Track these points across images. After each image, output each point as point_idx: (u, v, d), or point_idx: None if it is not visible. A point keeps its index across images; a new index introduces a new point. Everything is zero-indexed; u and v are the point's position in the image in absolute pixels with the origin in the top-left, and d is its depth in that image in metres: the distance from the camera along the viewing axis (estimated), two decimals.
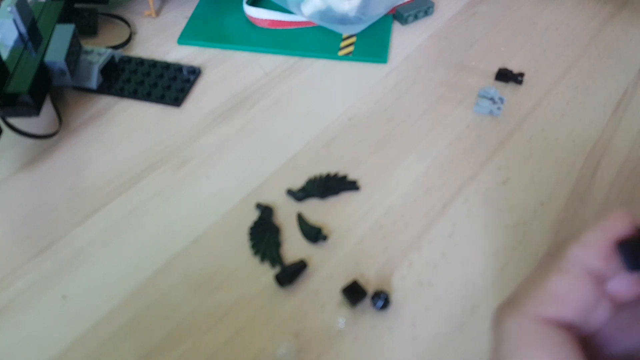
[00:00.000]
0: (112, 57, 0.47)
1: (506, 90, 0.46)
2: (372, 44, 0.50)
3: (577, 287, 0.19)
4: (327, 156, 0.41)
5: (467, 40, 0.50)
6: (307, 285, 0.33)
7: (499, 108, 0.43)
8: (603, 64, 0.48)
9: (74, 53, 0.44)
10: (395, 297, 0.33)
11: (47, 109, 0.44)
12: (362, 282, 0.33)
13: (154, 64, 0.48)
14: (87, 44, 0.49)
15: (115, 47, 0.49)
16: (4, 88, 0.39)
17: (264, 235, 0.36)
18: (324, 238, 0.35)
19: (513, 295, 0.21)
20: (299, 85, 0.46)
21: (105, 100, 0.45)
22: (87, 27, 0.51)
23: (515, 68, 0.48)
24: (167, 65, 0.48)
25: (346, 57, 0.49)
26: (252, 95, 0.46)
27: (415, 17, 0.53)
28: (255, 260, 0.35)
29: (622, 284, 0.21)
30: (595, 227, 0.20)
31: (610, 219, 0.20)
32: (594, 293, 0.20)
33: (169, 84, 0.46)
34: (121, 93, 0.45)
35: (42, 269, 0.35)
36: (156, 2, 0.56)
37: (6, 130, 0.40)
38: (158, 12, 0.55)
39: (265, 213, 0.37)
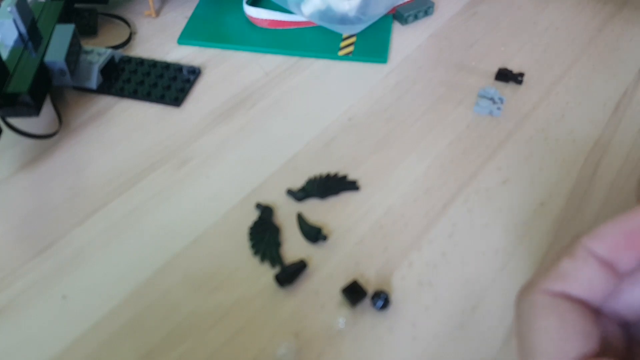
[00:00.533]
0: (112, 57, 0.47)
1: (506, 90, 0.46)
2: (372, 44, 0.50)
3: (584, 269, 0.21)
4: (327, 156, 0.41)
5: (467, 40, 0.50)
6: (307, 285, 0.33)
7: (498, 108, 0.43)
8: (603, 63, 0.48)
9: (74, 53, 0.44)
10: (395, 297, 0.33)
11: (47, 109, 0.44)
12: (362, 282, 0.33)
13: (154, 64, 0.48)
14: (87, 44, 0.49)
15: (115, 47, 0.49)
16: (3, 88, 0.39)
17: (264, 235, 0.36)
18: (324, 238, 0.35)
19: (530, 279, 0.23)
20: (299, 85, 0.46)
21: (105, 100, 0.45)
22: (87, 27, 0.51)
23: (515, 68, 0.48)
24: (167, 65, 0.48)
25: (346, 57, 0.49)
26: (252, 95, 0.46)
27: (415, 17, 0.53)
28: (255, 260, 0.35)
29: None
30: (610, 221, 0.22)
31: (628, 214, 0.21)
32: (604, 277, 0.21)
33: (169, 84, 0.46)
34: (121, 93, 0.45)
35: (42, 269, 0.35)
36: (156, 2, 0.56)
37: (6, 131, 0.40)
38: (158, 12, 0.55)
39: (265, 213, 0.37)
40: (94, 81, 0.45)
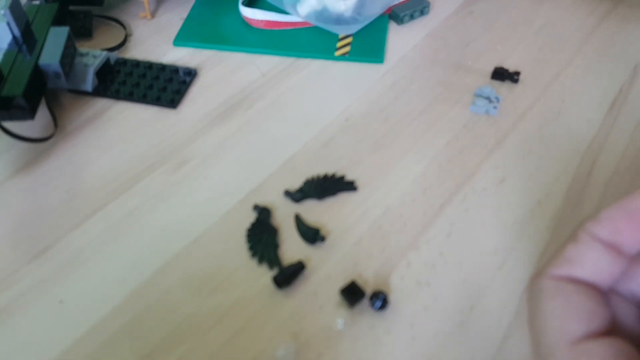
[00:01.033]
0: (108, 60, 0.47)
1: (502, 89, 0.46)
2: (368, 44, 0.50)
3: (588, 252, 0.22)
4: (324, 157, 0.41)
5: (463, 40, 0.51)
6: (305, 286, 0.33)
7: (495, 107, 0.43)
8: (599, 61, 0.48)
9: (69, 55, 0.44)
10: (393, 298, 0.33)
11: (42, 112, 0.44)
12: (360, 282, 0.33)
13: (149, 65, 0.48)
14: (82, 47, 0.48)
15: (111, 49, 0.49)
16: None
17: (262, 236, 0.36)
18: (322, 239, 0.35)
19: (539, 268, 0.23)
20: (296, 86, 0.46)
21: (101, 103, 0.45)
22: (82, 30, 0.51)
23: (511, 67, 0.48)
24: (162, 67, 0.47)
25: (343, 57, 0.49)
26: (249, 97, 0.46)
27: (411, 17, 0.53)
28: (253, 262, 0.35)
29: None
30: (613, 204, 0.22)
31: (630, 196, 0.22)
32: (609, 259, 0.21)
33: (165, 86, 0.46)
34: (117, 95, 0.45)
35: (39, 272, 0.34)
36: (151, 4, 0.55)
37: (1, 134, 0.40)
38: (153, 14, 0.54)
39: (263, 214, 0.37)
40: (89, 84, 0.45)
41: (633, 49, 0.50)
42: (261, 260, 0.35)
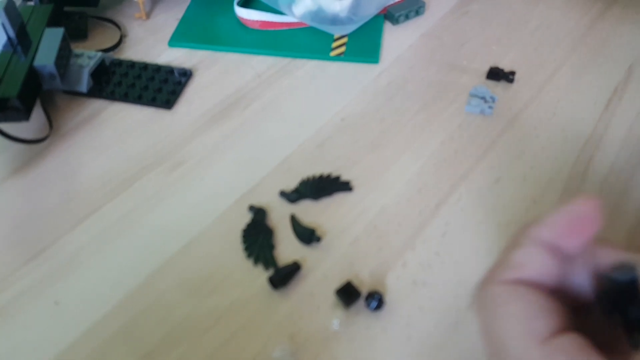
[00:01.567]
0: (103, 61, 0.47)
1: (497, 89, 0.46)
2: (363, 44, 0.50)
3: (532, 255, 0.23)
4: (320, 157, 0.41)
5: (459, 40, 0.51)
6: (301, 287, 0.33)
7: (490, 107, 0.43)
8: (593, 61, 0.49)
9: (64, 57, 0.44)
10: (389, 298, 0.33)
11: (37, 113, 0.44)
12: (356, 282, 0.33)
13: (144, 66, 0.48)
14: (77, 48, 0.48)
15: (106, 50, 0.49)
16: None
17: (258, 237, 0.36)
18: (318, 239, 0.35)
19: (486, 274, 0.24)
20: (292, 87, 0.46)
21: (96, 104, 0.45)
22: (77, 31, 0.51)
23: (506, 67, 0.48)
24: (158, 68, 0.47)
25: (338, 57, 0.49)
26: (244, 97, 0.46)
27: (407, 17, 0.53)
28: (249, 263, 0.35)
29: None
30: (555, 211, 0.23)
31: (573, 203, 0.23)
32: (552, 259, 0.23)
33: (160, 87, 0.46)
34: (112, 96, 0.45)
35: (34, 274, 0.34)
36: (147, 5, 0.55)
37: None
38: (148, 15, 0.54)
39: (259, 215, 0.37)
40: (84, 85, 0.45)
41: (627, 49, 0.50)
42: (257, 261, 0.35)
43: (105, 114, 0.44)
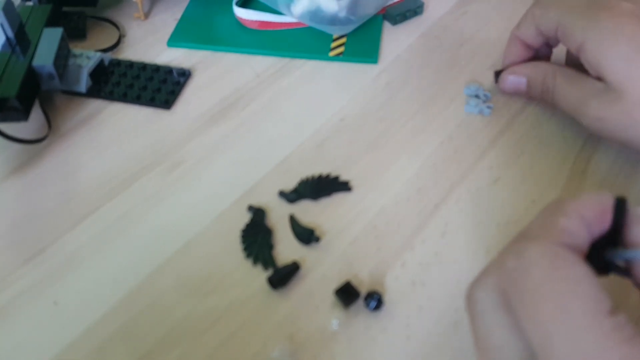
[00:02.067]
0: (101, 61, 0.47)
1: (496, 88, 0.46)
2: (362, 44, 0.50)
3: (578, 226, 0.23)
4: (319, 157, 0.41)
5: (458, 40, 0.51)
6: (300, 287, 0.33)
7: (489, 107, 0.43)
8: None
9: (63, 57, 0.44)
10: (388, 298, 0.33)
11: (36, 113, 0.44)
12: (355, 282, 0.33)
13: (143, 66, 0.48)
14: (76, 48, 0.48)
15: (104, 50, 0.49)
16: None
17: (257, 237, 0.35)
18: (317, 239, 0.35)
19: (479, 278, 0.24)
20: (291, 87, 0.46)
21: (95, 104, 0.45)
22: (75, 31, 0.51)
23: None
24: (156, 68, 0.47)
25: (337, 57, 0.49)
26: (243, 97, 0.46)
27: (405, 17, 0.53)
28: (248, 263, 0.35)
29: None
30: (591, 194, 0.24)
31: (603, 194, 0.25)
32: (588, 236, 0.24)
33: (159, 87, 0.46)
34: (111, 96, 0.45)
35: (33, 275, 0.34)
36: (145, 5, 0.55)
37: None
38: (147, 15, 0.54)
39: (258, 215, 0.37)
40: (83, 85, 0.45)
41: None
42: (256, 261, 0.35)
43: (104, 114, 0.44)
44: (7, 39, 0.43)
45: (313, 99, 0.45)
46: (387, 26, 0.52)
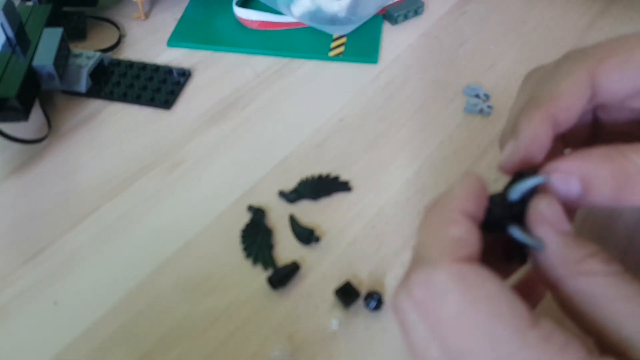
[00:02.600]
0: (101, 61, 0.47)
1: (496, 89, 0.46)
2: (362, 44, 0.50)
3: (470, 228, 0.21)
4: (319, 157, 0.41)
5: (457, 40, 0.51)
6: (300, 287, 0.33)
7: (489, 107, 0.43)
8: None
9: (63, 57, 0.44)
10: (388, 298, 0.33)
11: (36, 113, 0.44)
12: (355, 282, 0.33)
13: (143, 66, 0.48)
14: (76, 48, 0.48)
15: (104, 50, 0.49)
16: None
17: (256, 237, 0.36)
18: (317, 239, 0.35)
19: (418, 252, 0.21)
20: (290, 87, 0.46)
21: (95, 104, 0.45)
22: (75, 31, 0.51)
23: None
24: (156, 68, 0.47)
25: (337, 57, 0.49)
26: (243, 97, 0.46)
27: (405, 17, 0.53)
28: (247, 263, 0.35)
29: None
30: (466, 179, 0.23)
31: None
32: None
33: (159, 87, 0.46)
34: (111, 96, 0.45)
35: (33, 275, 0.34)
36: (145, 5, 0.55)
37: None
38: (147, 15, 0.54)
39: (258, 215, 0.37)
40: (83, 85, 0.45)
41: None
42: (256, 261, 0.35)
43: (104, 114, 0.44)
44: (7, 38, 0.43)
45: (313, 99, 0.45)
46: (387, 26, 0.52)
